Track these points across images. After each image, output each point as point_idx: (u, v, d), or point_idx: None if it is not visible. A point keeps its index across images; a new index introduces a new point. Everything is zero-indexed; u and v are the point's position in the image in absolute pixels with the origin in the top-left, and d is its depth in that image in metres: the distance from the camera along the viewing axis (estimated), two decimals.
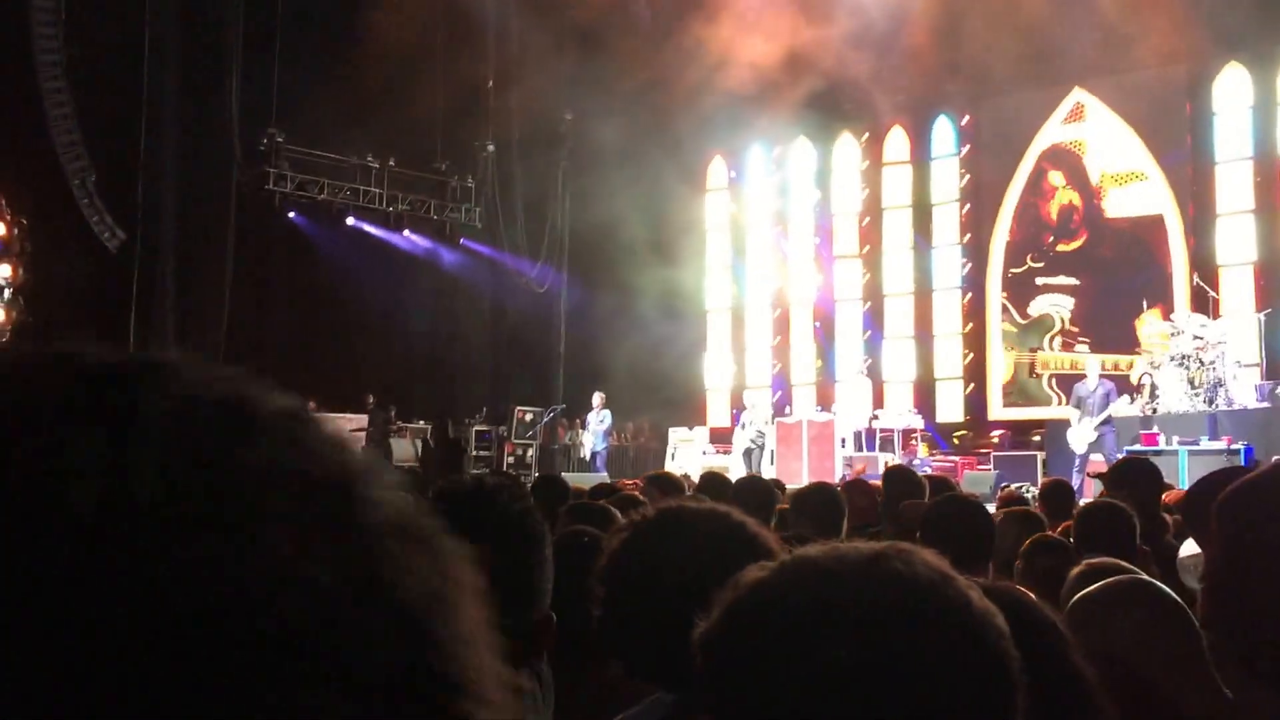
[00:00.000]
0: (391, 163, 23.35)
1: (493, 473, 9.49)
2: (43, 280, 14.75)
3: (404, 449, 20.50)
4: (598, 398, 20.63)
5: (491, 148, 24.43)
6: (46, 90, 17.72)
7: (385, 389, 21.68)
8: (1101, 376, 16.12)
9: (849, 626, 1.00)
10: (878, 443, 19.31)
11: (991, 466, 18.30)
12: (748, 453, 19.10)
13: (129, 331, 19.57)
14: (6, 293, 14.04)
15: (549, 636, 1.97)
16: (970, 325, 21.96)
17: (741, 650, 1.04)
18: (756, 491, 5.99)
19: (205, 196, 20.23)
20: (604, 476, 17.96)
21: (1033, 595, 2.46)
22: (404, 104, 21.27)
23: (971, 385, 21.85)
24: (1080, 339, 20.72)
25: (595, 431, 20.56)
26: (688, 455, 20.74)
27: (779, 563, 1.08)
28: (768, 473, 17.61)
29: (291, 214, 22.72)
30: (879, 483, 7.47)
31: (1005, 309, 21.61)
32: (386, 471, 0.52)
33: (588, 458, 20.59)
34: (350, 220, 23.38)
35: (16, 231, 14.26)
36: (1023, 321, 21.44)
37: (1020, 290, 21.47)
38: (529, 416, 22.10)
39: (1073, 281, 20.94)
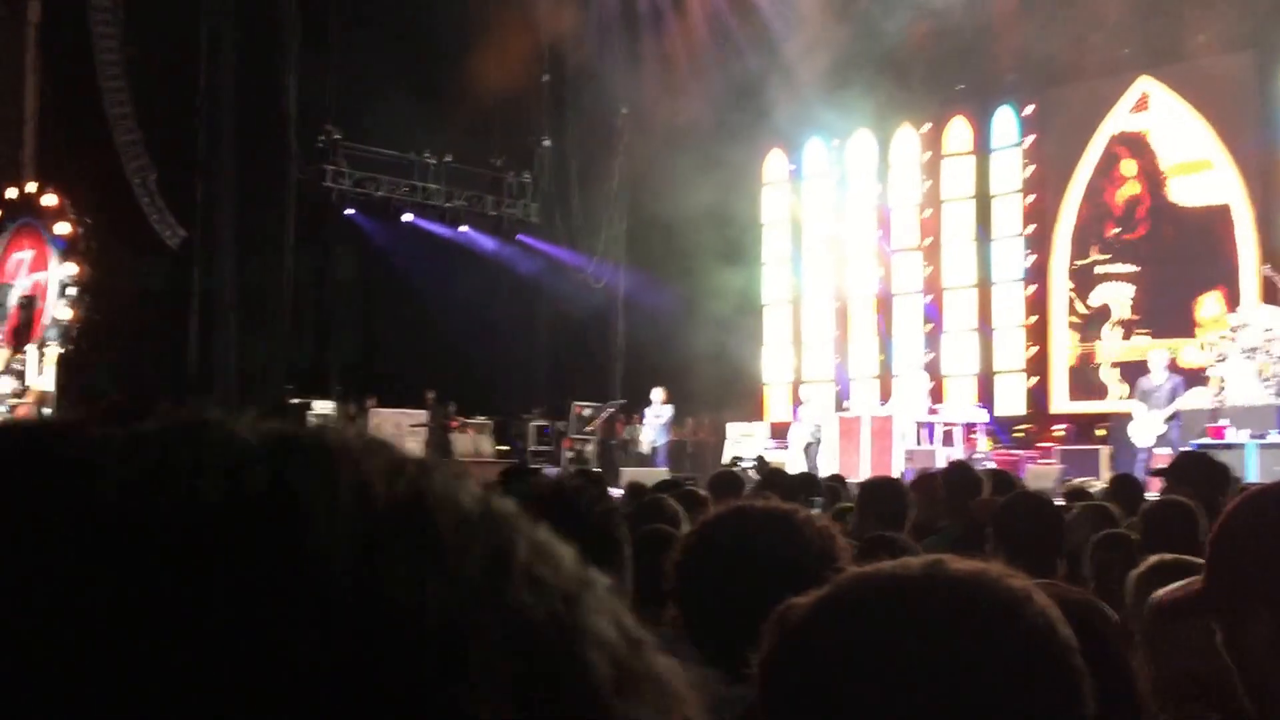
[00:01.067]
0: (448, 159, 23.43)
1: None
2: (107, 278, 14.92)
3: (464, 444, 20.58)
4: (659, 393, 20.58)
5: (548, 143, 24.46)
6: (107, 90, 17.91)
7: (444, 385, 21.75)
8: (1169, 370, 15.87)
9: (909, 657, 0.96)
10: (939, 437, 19.11)
11: (1055, 461, 18.10)
12: (808, 447, 19.02)
13: (190, 329, 19.77)
14: (72, 291, 14.18)
15: None
16: (1033, 317, 21.69)
17: (798, 677, 1.02)
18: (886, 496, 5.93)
19: (264, 194, 20.37)
20: (664, 472, 17.96)
21: (1095, 598, 2.42)
22: (460, 100, 21.33)
23: (1034, 378, 21.57)
24: (1139, 329, 20.42)
25: (656, 426, 20.52)
26: (748, 450, 20.66)
27: (832, 587, 1.05)
28: (827, 468, 17.51)
29: (349, 211, 22.86)
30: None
31: (1071, 301, 21.32)
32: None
33: (648, 452, 20.55)
34: (407, 217, 23.48)
35: (81, 231, 14.40)
36: (1085, 312, 21.15)
37: (1083, 281, 21.18)
38: (587, 412, 22.10)
39: (1134, 269, 20.64)
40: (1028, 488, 6.99)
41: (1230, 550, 1.88)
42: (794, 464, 18.63)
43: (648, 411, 20.74)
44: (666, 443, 20.53)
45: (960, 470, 7.64)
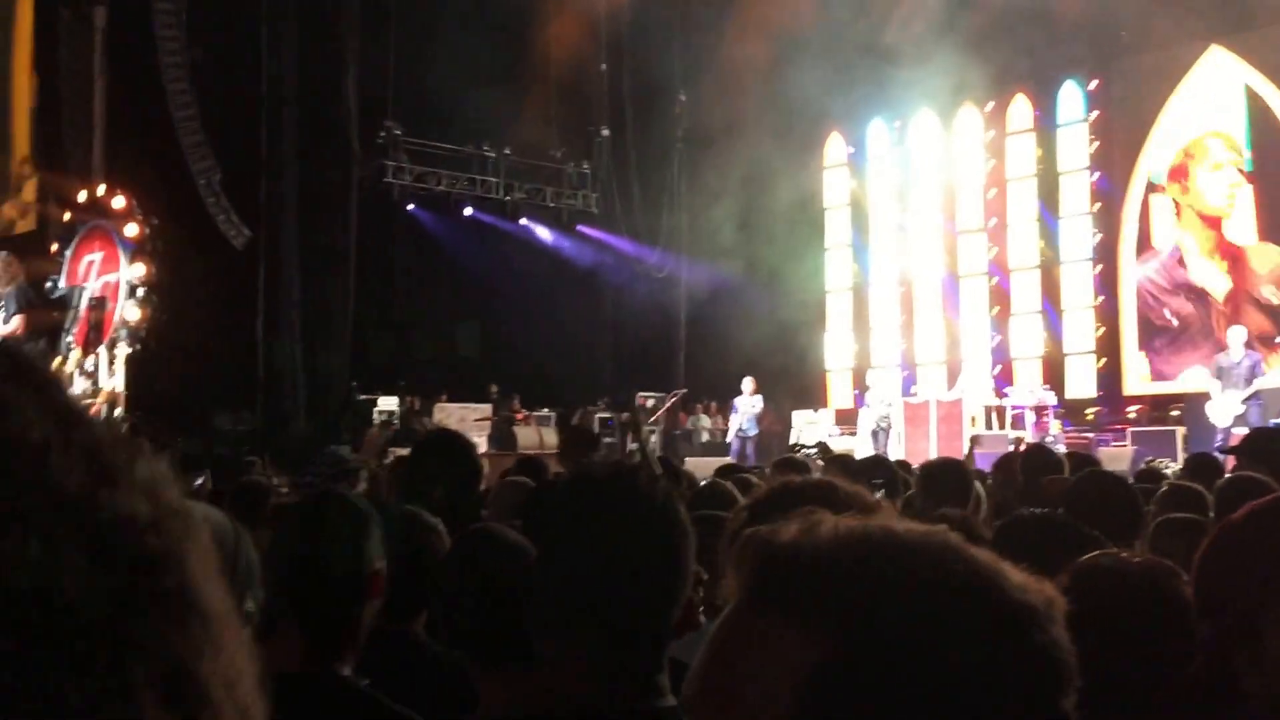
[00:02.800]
0: (507, 151, 23.48)
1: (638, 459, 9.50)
2: (174, 278, 15.05)
3: (529, 437, 20.60)
4: (748, 383, 20.52)
5: (606, 133, 24.44)
6: (172, 92, 18.12)
7: (508, 378, 21.81)
8: (1247, 347, 15.59)
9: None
10: (1008, 420, 18.94)
11: (1129, 442, 17.88)
12: (875, 433, 18.90)
13: (257, 327, 19.95)
14: (140, 291, 14.32)
15: (689, 618, 1.95)
16: (1101, 298, 21.37)
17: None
18: (948, 478, 5.79)
19: (326, 191, 20.53)
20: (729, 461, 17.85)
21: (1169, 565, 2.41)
22: (518, 92, 21.38)
23: (1104, 359, 21.27)
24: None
25: (746, 416, 20.45)
26: (811, 437, 20.56)
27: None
28: (895, 453, 17.41)
29: (411, 206, 23.00)
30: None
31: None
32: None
33: (731, 441, 20.48)
34: (468, 210, 23.57)
35: (149, 231, 14.53)
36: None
37: None
38: (651, 402, 22.06)
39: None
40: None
41: (1236, 571, 1.86)
42: (860, 450, 18.52)
43: (737, 402, 20.68)
44: (757, 434, 20.42)
45: (1039, 452, 7.48)
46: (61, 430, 0.41)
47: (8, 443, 0.38)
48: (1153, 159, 20.88)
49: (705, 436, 22.71)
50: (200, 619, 0.42)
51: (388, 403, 20.10)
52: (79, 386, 13.93)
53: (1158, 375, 20.71)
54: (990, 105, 22.70)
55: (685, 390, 22.97)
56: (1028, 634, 0.91)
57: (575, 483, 2.04)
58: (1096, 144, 21.55)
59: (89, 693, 0.36)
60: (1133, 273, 21.10)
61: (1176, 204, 20.63)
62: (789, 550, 0.94)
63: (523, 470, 6.75)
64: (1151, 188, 20.89)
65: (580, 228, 25.04)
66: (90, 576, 0.38)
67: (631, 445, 21.23)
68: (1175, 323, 20.54)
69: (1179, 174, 20.60)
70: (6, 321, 13.71)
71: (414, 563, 3.10)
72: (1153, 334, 20.86)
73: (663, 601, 1.85)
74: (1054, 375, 21.31)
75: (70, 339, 14.22)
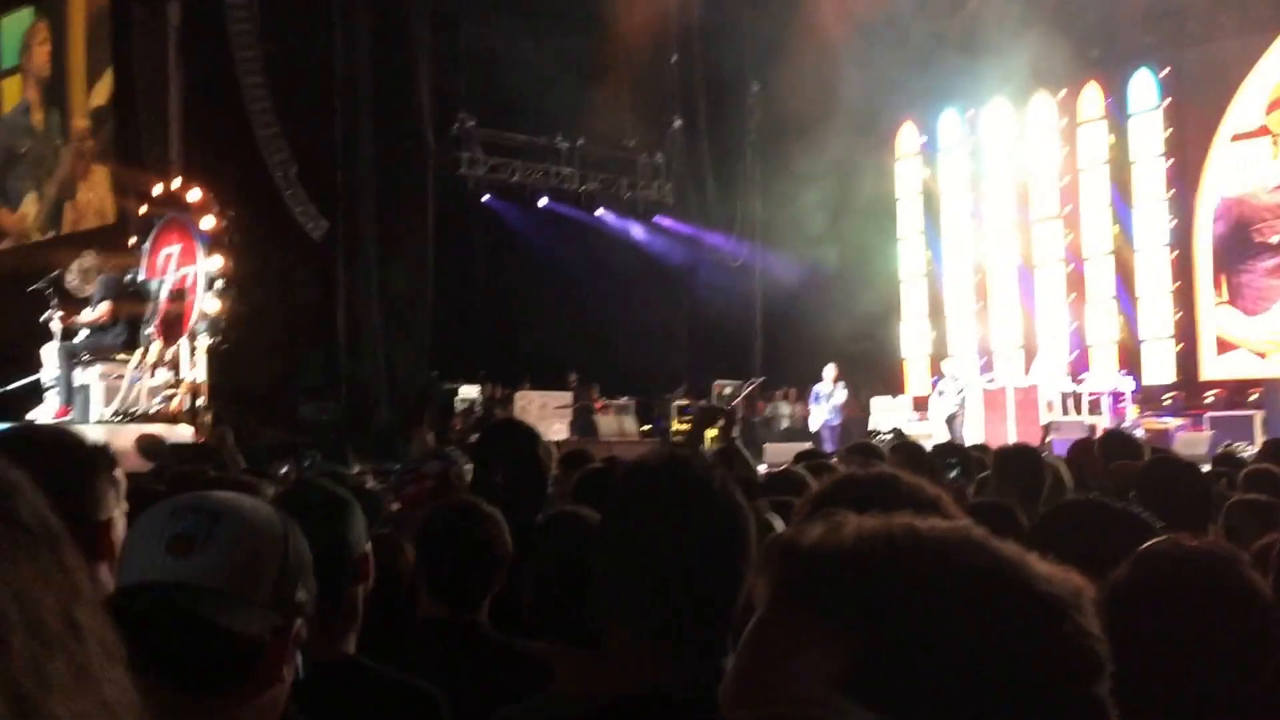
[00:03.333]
0: (581, 142, 23.61)
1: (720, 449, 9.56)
2: (252, 271, 15.32)
3: (608, 425, 20.72)
4: (829, 370, 20.46)
5: (679, 123, 24.47)
6: (246, 86, 18.41)
7: (587, 367, 21.97)
8: None
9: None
10: (1085, 406, 18.74)
11: (1206, 427, 17.67)
12: (951, 418, 18.79)
13: (336, 318, 20.24)
14: (219, 283, 14.60)
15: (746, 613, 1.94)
16: (1178, 283, 21.09)
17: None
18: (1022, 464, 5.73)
19: (402, 183, 20.74)
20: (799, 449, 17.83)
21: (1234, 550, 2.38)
22: (591, 83, 21.47)
23: (1181, 344, 20.98)
24: None
25: (828, 406, 20.40)
26: (886, 424, 20.48)
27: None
28: (972, 439, 17.31)
29: (486, 197, 23.22)
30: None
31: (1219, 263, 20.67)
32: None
33: (819, 430, 20.42)
34: (543, 201, 23.74)
35: (225, 224, 14.81)
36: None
37: None
38: (728, 390, 22.08)
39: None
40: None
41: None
42: (936, 436, 18.42)
43: (818, 389, 20.64)
44: (840, 423, 20.34)
45: (1117, 437, 7.42)
46: None
47: None
48: (1224, 146, 20.55)
49: (785, 423, 22.66)
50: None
51: (469, 391, 20.32)
52: (161, 378, 14.27)
53: (1242, 321, 20.21)
54: (1063, 93, 22.48)
55: (763, 378, 22.98)
56: (1055, 624, 0.94)
57: (632, 470, 2.09)
58: (1170, 130, 21.28)
59: None
60: (1208, 258, 20.76)
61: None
62: (815, 550, 0.98)
63: (574, 462, 6.84)
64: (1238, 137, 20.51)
65: (656, 218, 25.12)
66: None
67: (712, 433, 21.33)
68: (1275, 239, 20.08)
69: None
70: (94, 308, 14.09)
71: (475, 552, 3.20)
72: (1247, 255, 20.39)
73: (724, 585, 1.88)
74: (1129, 361, 21.09)
75: (151, 330, 14.54)
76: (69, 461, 2.20)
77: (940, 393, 19.45)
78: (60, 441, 2.29)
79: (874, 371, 23.15)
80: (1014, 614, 0.93)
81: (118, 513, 2.27)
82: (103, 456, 2.31)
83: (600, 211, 24.53)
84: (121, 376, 14.06)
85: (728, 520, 1.92)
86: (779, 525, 3.56)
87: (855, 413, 22.18)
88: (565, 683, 2.39)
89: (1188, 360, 20.94)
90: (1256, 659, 2.00)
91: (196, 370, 14.47)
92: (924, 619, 0.93)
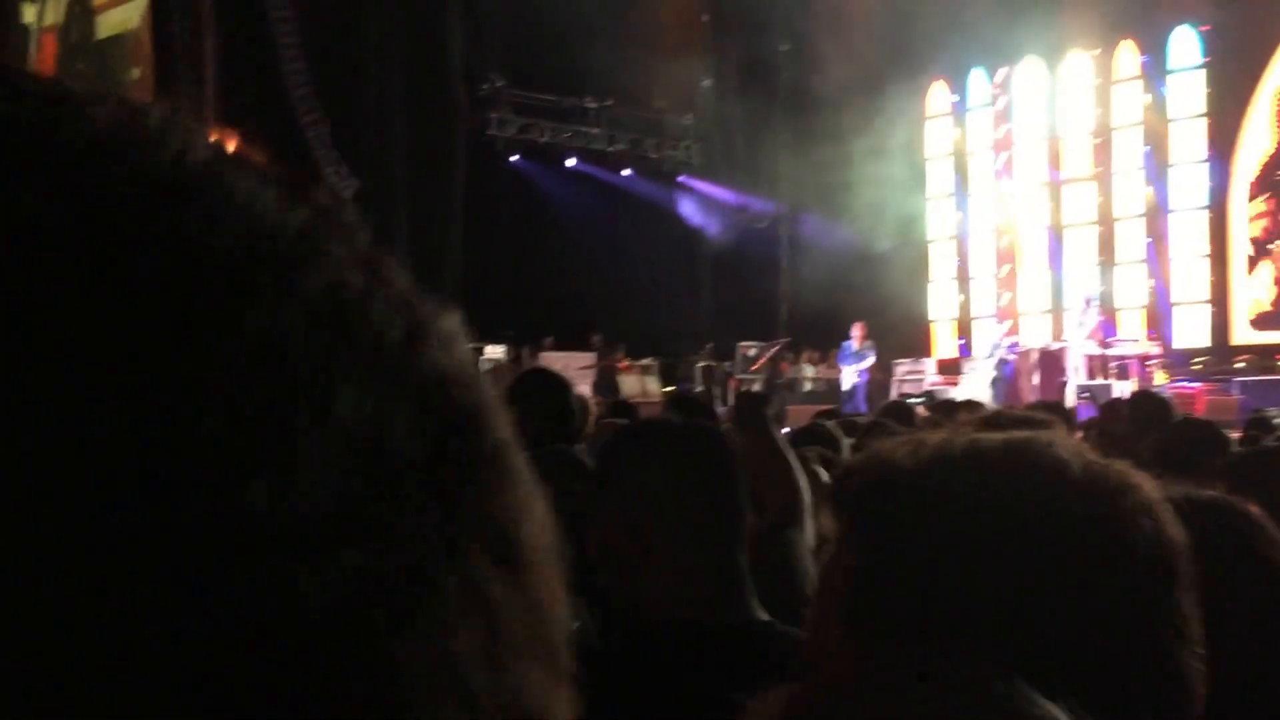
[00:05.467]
0: (609, 103, 23.58)
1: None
2: None
3: (632, 385, 20.80)
4: (857, 329, 20.44)
5: (708, 83, 24.41)
6: (280, 45, 18.46)
7: (611, 327, 22.03)
8: None
9: (985, 514, 0.97)
10: (1112, 371, 18.68)
11: (1237, 393, 17.59)
12: (994, 381, 18.74)
13: None
14: None
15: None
16: (1211, 247, 20.97)
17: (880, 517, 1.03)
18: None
19: (432, 143, 20.76)
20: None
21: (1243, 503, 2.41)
22: (620, 43, 21.41)
23: (1213, 309, 20.89)
24: None
25: (857, 366, 20.39)
26: (914, 387, 20.48)
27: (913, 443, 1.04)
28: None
29: (514, 157, 23.25)
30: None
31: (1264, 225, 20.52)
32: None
33: (853, 388, 20.41)
34: (571, 162, 23.76)
35: None
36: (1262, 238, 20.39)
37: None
38: (752, 351, 22.10)
39: None
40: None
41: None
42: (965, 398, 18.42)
43: (846, 345, 20.63)
44: (865, 382, 20.31)
45: (1147, 399, 7.32)
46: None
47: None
48: (1264, 107, 20.36)
49: (809, 385, 22.68)
50: (516, 481, 0.39)
51: (494, 351, 20.43)
52: None
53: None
54: (1097, 51, 22.28)
55: (788, 339, 22.97)
56: (1118, 524, 0.96)
57: (641, 423, 2.25)
58: (1207, 90, 21.08)
59: (421, 545, 0.35)
60: (1244, 221, 20.66)
61: None
62: (872, 465, 1.05)
63: (616, 413, 6.86)
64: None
65: (682, 178, 25.10)
66: (419, 431, 0.36)
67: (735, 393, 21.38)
68: None
69: None
70: None
71: None
72: None
73: (726, 514, 2.03)
74: (1158, 325, 21.02)
75: None
76: None
77: (989, 355, 19.38)
78: None
79: (901, 333, 23.10)
80: (1058, 519, 0.95)
81: None
82: None
83: (627, 172, 24.53)
84: None
85: (717, 459, 2.06)
86: (825, 476, 3.65)
87: (879, 375, 22.20)
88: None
89: (1219, 325, 20.85)
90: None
91: None
92: (924, 539, 0.97)
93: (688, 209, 25.12)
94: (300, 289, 0.35)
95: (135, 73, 19.87)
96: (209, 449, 0.32)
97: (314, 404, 0.34)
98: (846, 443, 5.15)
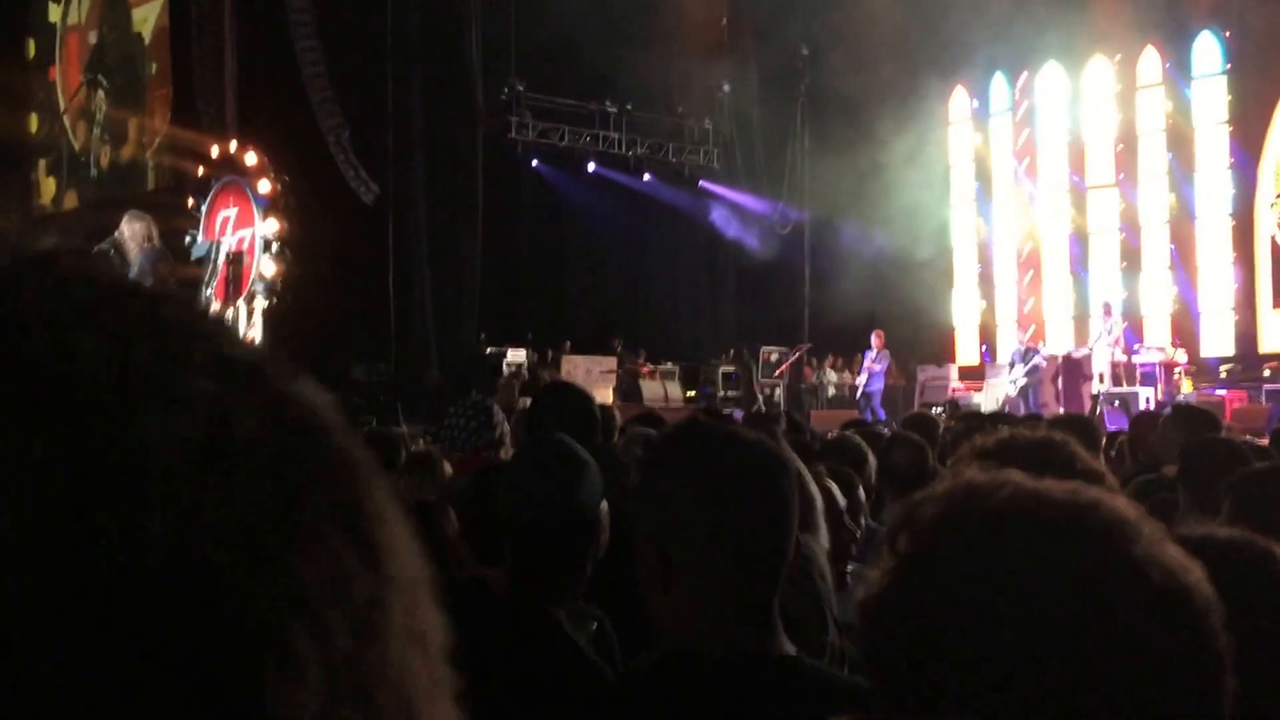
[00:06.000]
0: (629, 107, 23.58)
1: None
2: (306, 234, 15.42)
3: (653, 390, 20.78)
4: (876, 336, 20.48)
5: (728, 88, 24.37)
6: (301, 50, 18.49)
7: (633, 332, 22.01)
8: None
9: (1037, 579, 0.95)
10: (1138, 378, 18.58)
11: (1264, 401, 17.47)
12: (1024, 389, 18.67)
13: (387, 281, 20.37)
14: (275, 246, 14.70)
15: (795, 562, 1.97)
16: (1237, 253, 20.83)
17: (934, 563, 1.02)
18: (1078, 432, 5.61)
19: (452, 148, 20.80)
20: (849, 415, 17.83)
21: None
22: (641, 48, 21.39)
23: (1239, 317, 20.74)
24: None
25: (873, 372, 20.42)
26: (937, 396, 20.45)
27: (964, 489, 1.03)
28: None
29: (534, 162, 23.26)
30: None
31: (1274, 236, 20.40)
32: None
33: (868, 392, 20.47)
34: (591, 166, 23.74)
35: (281, 188, 14.90)
36: None
37: None
38: (774, 356, 22.08)
39: None
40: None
41: None
42: (985, 407, 18.35)
43: (867, 355, 20.68)
44: (881, 389, 20.34)
45: (1190, 412, 7.02)
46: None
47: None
48: None
49: (832, 391, 22.66)
50: (366, 540, 0.41)
51: (516, 355, 20.42)
52: None
53: None
54: (1119, 57, 22.17)
55: (810, 345, 22.93)
56: (1162, 614, 0.94)
57: (682, 428, 2.09)
58: (1230, 97, 20.97)
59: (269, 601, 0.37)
60: (1268, 227, 20.52)
61: None
62: (941, 494, 1.03)
63: (643, 423, 6.82)
64: None
65: (703, 183, 25.06)
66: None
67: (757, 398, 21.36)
68: None
69: None
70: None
71: None
72: None
73: (768, 543, 1.89)
74: (1184, 332, 20.87)
75: (210, 292, 14.65)
76: None
77: (1010, 364, 19.30)
78: None
79: (923, 340, 23.05)
80: (1109, 596, 0.94)
81: None
82: None
83: (647, 177, 24.51)
84: None
85: (773, 479, 1.91)
86: (837, 492, 3.60)
87: (900, 381, 22.16)
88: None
89: (1246, 333, 20.70)
90: None
91: (253, 331, 14.55)
92: (987, 594, 0.95)
93: (708, 214, 25.08)
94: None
95: (153, 67, 19.85)
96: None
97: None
98: (873, 460, 5.04)
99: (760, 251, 24.52)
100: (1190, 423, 6.27)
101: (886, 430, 8.62)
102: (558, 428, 4.40)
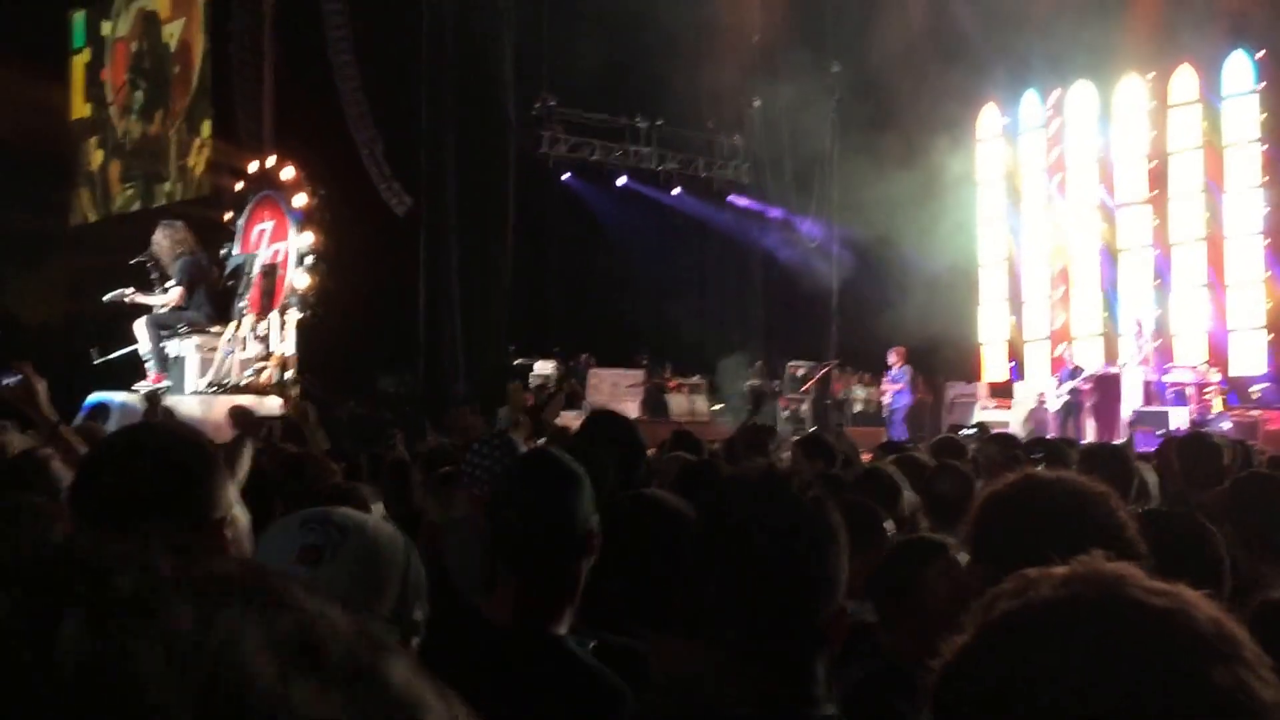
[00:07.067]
0: (660, 122, 23.68)
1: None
2: (340, 247, 15.51)
3: (680, 404, 20.82)
4: (892, 354, 20.48)
5: (758, 103, 24.46)
6: (337, 65, 18.69)
7: (661, 345, 22.07)
8: None
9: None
10: (1169, 397, 18.52)
11: None
12: (1066, 407, 18.62)
13: (419, 293, 20.49)
14: (309, 260, 14.80)
15: (842, 630, 1.93)
16: (1270, 272, 20.76)
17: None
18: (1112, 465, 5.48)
19: (484, 161, 20.94)
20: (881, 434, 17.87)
21: None
22: (671, 63, 21.49)
23: (1272, 335, 20.66)
24: None
25: (893, 389, 20.42)
26: (965, 416, 20.44)
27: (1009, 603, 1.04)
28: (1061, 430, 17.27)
29: (565, 176, 23.38)
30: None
31: None
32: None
33: (886, 415, 20.48)
34: (622, 180, 23.85)
35: (316, 202, 15.00)
36: None
37: None
38: (801, 372, 22.10)
39: None
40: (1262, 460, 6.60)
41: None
42: (1013, 425, 18.34)
43: (888, 373, 20.70)
44: (904, 406, 20.33)
45: (1195, 443, 6.87)
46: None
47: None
48: None
49: (859, 407, 22.65)
50: None
51: (543, 366, 20.50)
52: (252, 350, 14.48)
53: None
54: (1152, 75, 22.15)
55: (837, 361, 22.93)
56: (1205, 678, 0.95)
57: (730, 483, 2.09)
58: (1265, 115, 20.92)
59: None
60: None
61: None
62: (1060, 579, 1.04)
63: (679, 445, 6.83)
64: None
65: (732, 198, 25.13)
66: None
67: (784, 413, 21.37)
68: None
69: None
70: (169, 289, 14.21)
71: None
72: None
73: (805, 604, 1.87)
74: (1217, 351, 20.80)
75: (244, 304, 14.76)
76: (186, 461, 2.17)
77: (1061, 380, 19.24)
78: (176, 441, 2.25)
79: (952, 356, 23.04)
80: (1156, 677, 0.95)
81: (238, 509, 2.24)
82: (216, 453, 2.29)
83: (677, 191, 24.60)
84: (215, 349, 14.30)
85: (822, 545, 1.90)
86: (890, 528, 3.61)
87: (928, 398, 22.15)
88: (660, 670, 2.36)
89: (1278, 351, 20.56)
90: None
91: (286, 343, 14.65)
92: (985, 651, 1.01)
93: (738, 228, 25.15)
94: None
95: (176, 69, 22.24)
96: None
97: None
98: (908, 494, 5.00)
99: (789, 266, 24.57)
100: (1194, 454, 6.30)
101: (922, 455, 8.61)
102: (606, 457, 4.43)
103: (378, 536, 1.92)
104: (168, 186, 22.51)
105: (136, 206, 22.83)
